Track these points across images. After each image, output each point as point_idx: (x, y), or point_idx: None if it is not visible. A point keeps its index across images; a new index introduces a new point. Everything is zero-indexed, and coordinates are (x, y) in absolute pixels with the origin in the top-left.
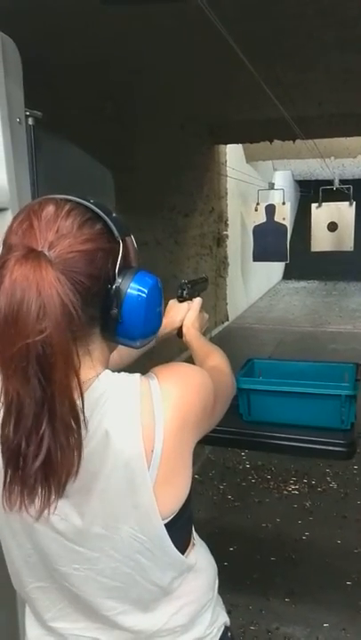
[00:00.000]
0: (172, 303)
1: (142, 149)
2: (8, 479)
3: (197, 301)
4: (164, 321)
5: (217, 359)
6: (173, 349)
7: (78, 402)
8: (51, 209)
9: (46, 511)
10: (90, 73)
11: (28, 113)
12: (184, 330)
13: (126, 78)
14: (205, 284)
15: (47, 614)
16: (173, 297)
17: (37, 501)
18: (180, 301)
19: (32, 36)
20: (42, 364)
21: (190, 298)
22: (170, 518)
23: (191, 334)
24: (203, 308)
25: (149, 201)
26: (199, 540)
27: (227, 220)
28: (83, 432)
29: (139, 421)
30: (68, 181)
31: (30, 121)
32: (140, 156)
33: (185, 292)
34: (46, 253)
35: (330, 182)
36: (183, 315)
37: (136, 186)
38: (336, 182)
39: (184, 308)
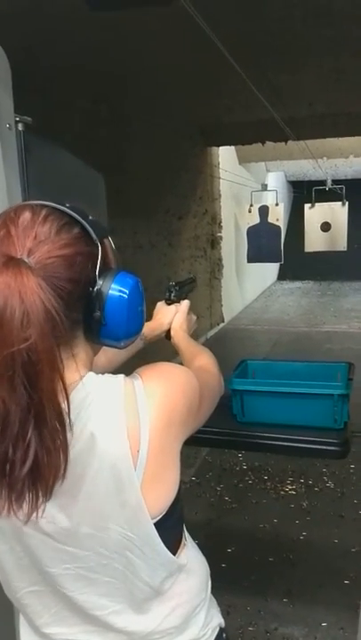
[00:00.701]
0: (160, 306)
1: (135, 152)
2: None
3: (185, 304)
4: (153, 324)
5: (204, 359)
6: (167, 353)
7: (64, 405)
8: (27, 215)
9: (34, 514)
10: (82, 76)
11: (17, 119)
12: (172, 332)
13: (118, 81)
14: (193, 284)
15: (40, 620)
16: (168, 296)
17: (25, 505)
18: (168, 304)
19: (23, 39)
20: (27, 372)
21: (178, 300)
22: (159, 517)
23: (179, 336)
24: (191, 309)
25: (143, 204)
26: (191, 540)
27: (220, 221)
28: (68, 435)
29: (124, 422)
30: (60, 186)
31: (20, 126)
32: (133, 159)
33: (172, 295)
34: (26, 260)
35: (323, 183)
36: (171, 317)
37: (130, 189)
38: (329, 183)
39: (172, 311)
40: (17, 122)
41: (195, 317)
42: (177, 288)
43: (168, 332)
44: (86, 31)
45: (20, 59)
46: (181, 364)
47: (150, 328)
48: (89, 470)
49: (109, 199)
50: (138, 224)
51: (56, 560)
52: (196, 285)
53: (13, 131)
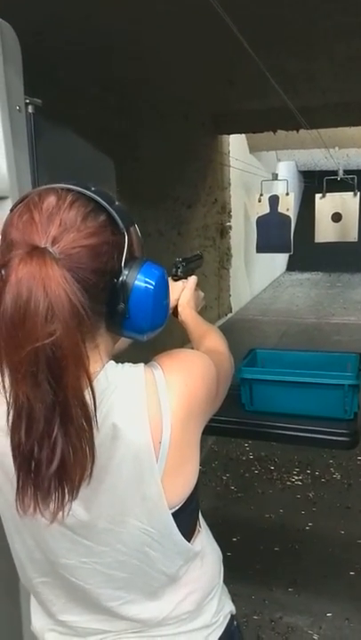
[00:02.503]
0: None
1: (146, 140)
2: (21, 484)
3: (193, 279)
4: None
5: (213, 339)
6: (177, 335)
7: (90, 403)
8: (52, 200)
9: (60, 514)
10: (92, 62)
11: (27, 101)
12: (179, 309)
13: (129, 68)
14: (200, 261)
15: (53, 608)
16: (175, 271)
17: (52, 505)
18: (175, 280)
19: (33, 24)
20: (52, 368)
21: (185, 276)
22: (178, 507)
23: (187, 313)
24: (198, 285)
25: (153, 192)
26: (205, 525)
27: (230, 211)
28: (94, 432)
29: (146, 413)
30: (69, 169)
31: (30, 109)
32: (143, 147)
33: (180, 271)
34: (50, 250)
35: (334, 173)
36: (178, 293)
37: (139, 176)
38: (340, 173)
39: (179, 287)
40: (27, 104)
41: (202, 294)
42: (184, 264)
43: (175, 308)
44: (97, 17)
45: (30, 42)
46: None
47: None
48: (111, 462)
49: (118, 186)
50: (147, 212)
51: (73, 552)
52: (203, 262)
53: (23, 113)
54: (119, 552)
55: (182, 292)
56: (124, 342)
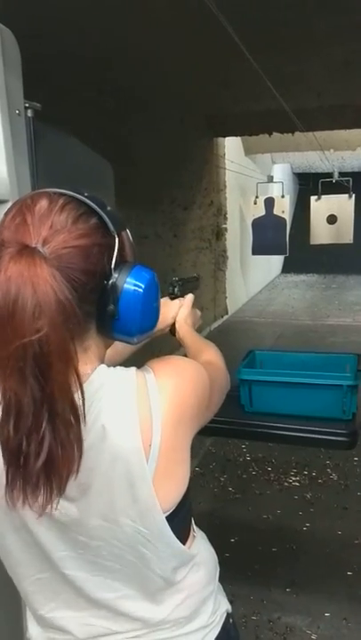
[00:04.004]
0: (164, 301)
1: (142, 142)
2: (10, 478)
3: (189, 297)
4: None
5: (211, 354)
6: (175, 345)
7: (77, 398)
8: (44, 203)
9: (49, 507)
10: (89, 66)
11: (27, 105)
12: (177, 326)
13: (126, 71)
14: (197, 282)
15: (49, 605)
16: (172, 290)
17: (40, 498)
18: (172, 298)
19: (31, 28)
20: (39, 363)
21: (182, 295)
22: (170, 511)
23: (184, 330)
24: (195, 304)
25: (149, 194)
26: (200, 531)
27: (226, 213)
28: (82, 427)
29: (136, 415)
30: (68, 173)
31: (29, 113)
32: (138, 149)
33: (176, 289)
34: (40, 249)
35: (329, 175)
36: (175, 312)
37: (136, 179)
38: (335, 175)
39: (176, 305)
40: (26, 108)
41: (199, 312)
42: (180, 283)
43: (173, 327)
44: (94, 20)
45: (27, 46)
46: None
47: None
48: (100, 464)
49: (115, 189)
50: (143, 214)
51: (70, 544)
52: (200, 285)
53: (22, 117)
54: (114, 547)
55: (179, 310)
56: (125, 350)
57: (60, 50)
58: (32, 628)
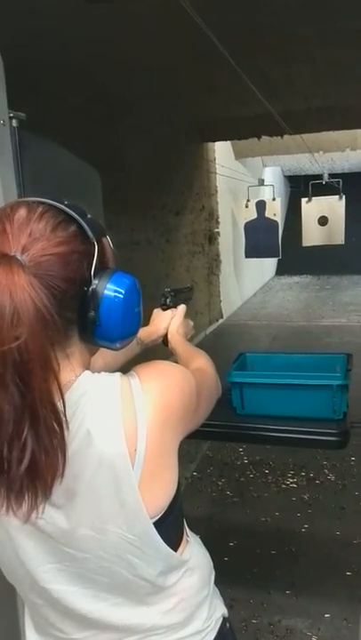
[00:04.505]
0: (157, 312)
1: (132, 148)
2: None
3: (182, 308)
4: (149, 329)
5: (201, 361)
6: (166, 354)
7: (59, 405)
8: (23, 212)
9: (34, 514)
10: (77, 73)
11: (11, 115)
12: (169, 336)
13: (114, 78)
14: (190, 293)
15: (45, 615)
16: (164, 301)
17: (24, 505)
18: (164, 309)
19: (17, 37)
20: (19, 371)
21: (174, 306)
22: (158, 516)
23: (176, 340)
24: (187, 314)
25: (140, 200)
26: (194, 536)
27: (218, 217)
28: (65, 433)
29: (120, 420)
30: (55, 182)
31: (14, 122)
32: (128, 156)
33: (168, 300)
34: (19, 257)
35: (319, 177)
36: (168, 322)
37: (126, 185)
38: (325, 176)
39: (168, 316)
40: (11, 118)
41: (191, 323)
42: (173, 294)
43: (165, 337)
44: (81, 27)
45: (14, 56)
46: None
47: (147, 332)
48: (86, 470)
49: (105, 196)
50: (134, 221)
51: (57, 557)
52: (193, 295)
53: (7, 127)
54: (102, 559)
55: (172, 321)
56: (118, 359)
57: (47, 58)
58: (30, 636)
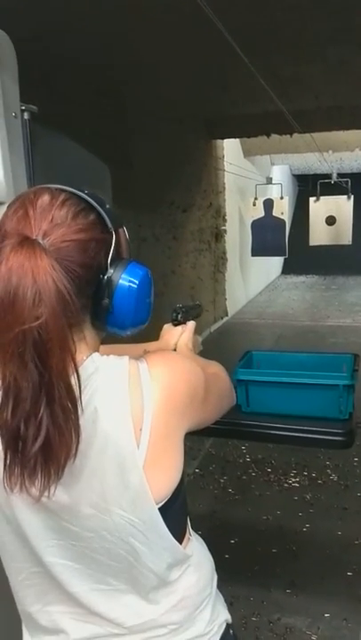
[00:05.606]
0: (167, 327)
1: (141, 145)
2: (8, 461)
3: (191, 324)
4: (160, 344)
5: (215, 368)
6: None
7: (75, 385)
8: (46, 198)
9: (47, 492)
10: (88, 68)
11: (23, 107)
12: (178, 350)
13: (124, 73)
14: (200, 309)
15: (42, 600)
16: (175, 317)
17: (37, 483)
18: (175, 325)
19: (29, 31)
20: (38, 350)
21: (184, 322)
22: (162, 503)
23: (184, 353)
24: (196, 330)
25: (148, 196)
26: (196, 535)
27: (225, 215)
28: (79, 414)
29: (128, 400)
30: (65, 175)
31: (26, 115)
32: (138, 152)
33: (180, 316)
34: (40, 241)
35: (328, 176)
36: (177, 337)
37: (135, 181)
38: (334, 176)
39: (178, 331)
40: (23, 110)
41: (200, 339)
42: (184, 310)
43: (174, 351)
44: (92, 23)
45: (26, 49)
46: None
47: (157, 347)
48: (92, 447)
49: (113, 192)
50: (142, 217)
51: (64, 534)
52: (202, 312)
53: (19, 119)
54: (105, 539)
55: (181, 336)
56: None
57: (59, 52)
58: (27, 638)
